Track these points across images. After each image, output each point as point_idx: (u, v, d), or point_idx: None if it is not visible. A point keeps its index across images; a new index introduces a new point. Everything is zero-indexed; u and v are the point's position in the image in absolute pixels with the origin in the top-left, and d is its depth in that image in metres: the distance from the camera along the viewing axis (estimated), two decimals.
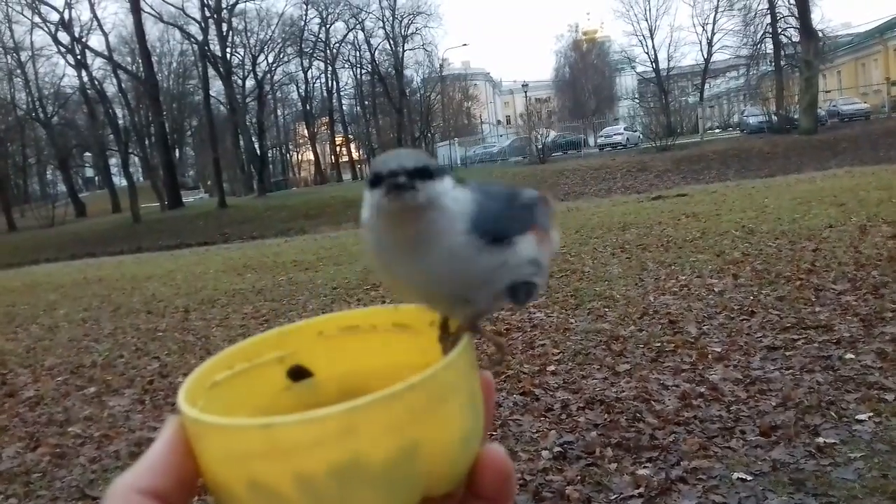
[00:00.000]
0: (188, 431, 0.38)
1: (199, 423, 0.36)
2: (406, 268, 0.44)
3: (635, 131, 42.54)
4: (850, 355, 4.28)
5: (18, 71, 49.21)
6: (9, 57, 48.50)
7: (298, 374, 0.49)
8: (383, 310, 0.51)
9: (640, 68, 59.33)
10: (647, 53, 55.81)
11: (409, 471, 0.35)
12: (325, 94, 59.86)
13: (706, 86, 57.23)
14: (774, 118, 36.06)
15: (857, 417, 3.47)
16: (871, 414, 3.47)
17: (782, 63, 38.65)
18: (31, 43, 48.95)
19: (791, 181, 17.14)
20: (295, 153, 74.24)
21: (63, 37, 42.66)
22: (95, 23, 43.47)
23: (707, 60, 54.30)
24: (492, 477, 0.39)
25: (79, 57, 42.33)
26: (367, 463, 0.34)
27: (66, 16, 41.03)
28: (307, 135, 61.99)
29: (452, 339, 0.46)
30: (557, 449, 3.52)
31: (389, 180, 0.43)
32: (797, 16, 35.04)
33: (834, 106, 38.53)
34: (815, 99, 33.40)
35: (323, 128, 63.54)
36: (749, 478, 3.04)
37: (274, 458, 0.33)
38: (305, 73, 57.79)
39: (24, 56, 48.96)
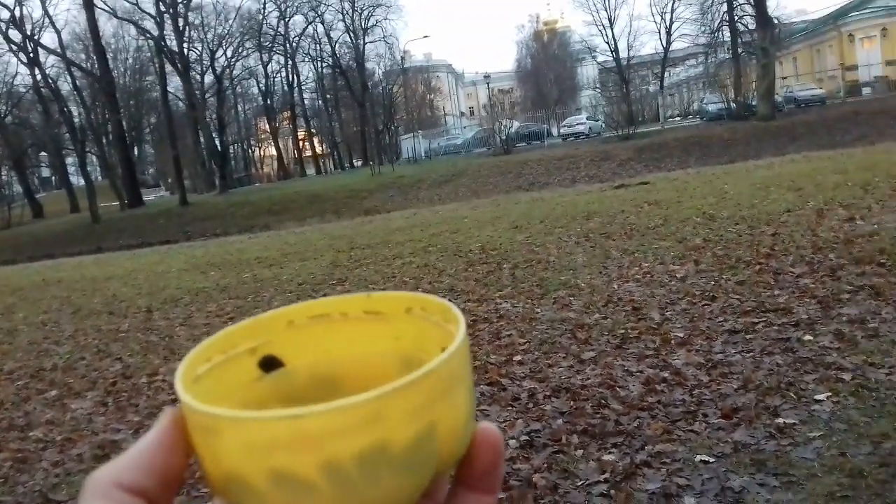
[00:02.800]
0: (194, 427, 0.37)
1: (217, 419, 0.36)
2: None
3: (597, 121, 42.85)
4: (808, 337, 4.37)
5: None
6: None
7: (270, 364, 0.49)
8: (355, 297, 0.51)
9: (600, 58, 59.64)
10: (608, 43, 56.13)
11: (428, 451, 0.36)
12: (285, 88, 59.26)
13: (666, 74, 57.96)
14: (733, 105, 36.58)
15: (815, 398, 3.54)
16: (829, 394, 3.55)
17: (739, 50, 39.23)
18: None
19: (750, 167, 17.42)
20: (257, 149, 73.51)
21: (14, 35, 41.67)
22: (47, 20, 42.59)
23: (666, 49, 54.91)
24: (486, 451, 0.40)
25: (31, 55, 41.42)
26: (391, 447, 0.35)
27: (17, 13, 40.11)
28: (269, 130, 61.37)
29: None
30: (524, 437, 3.55)
31: None
32: (753, 3, 35.59)
33: (790, 92, 39.13)
34: (772, 85, 33.93)
35: (285, 122, 62.92)
36: (711, 460, 3.09)
37: (301, 447, 0.34)
38: (265, 67, 57.22)
39: None
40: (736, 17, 39.22)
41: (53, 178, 67.05)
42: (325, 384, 0.48)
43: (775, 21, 35.38)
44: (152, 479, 0.36)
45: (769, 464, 2.99)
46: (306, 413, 0.33)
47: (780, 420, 3.35)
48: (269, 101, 58.68)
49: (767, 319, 4.82)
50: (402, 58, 58.67)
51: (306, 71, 60.77)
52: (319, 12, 54.35)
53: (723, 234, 7.92)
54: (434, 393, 0.36)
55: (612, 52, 55.96)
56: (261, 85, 58.78)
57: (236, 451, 0.35)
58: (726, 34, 41.40)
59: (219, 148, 48.09)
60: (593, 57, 60.73)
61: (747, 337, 4.55)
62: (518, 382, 4.34)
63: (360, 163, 57.84)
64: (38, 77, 42.44)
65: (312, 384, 0.48)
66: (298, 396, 0.44)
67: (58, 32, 42.50)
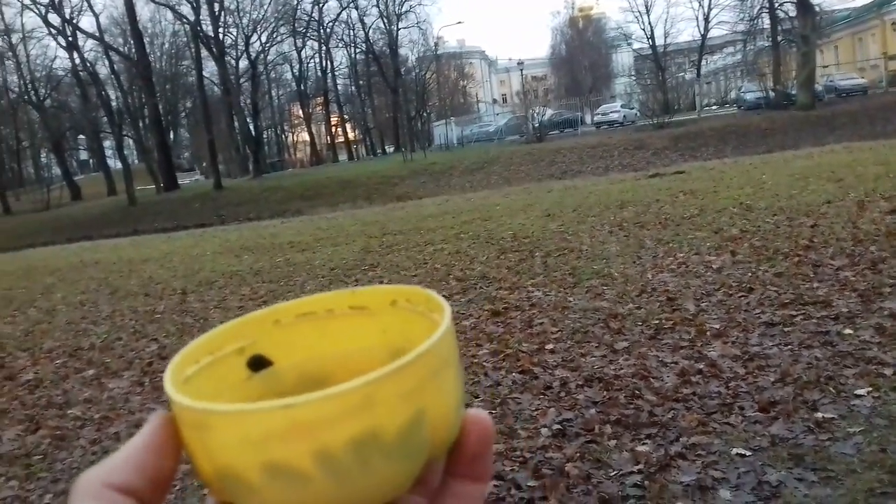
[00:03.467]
0: (186, 425, 0.37)
1: (210, 414, 0.36)
2: None
3: (632, 109, 42.38)
4: (848, 330, 4.29)
5: (10, 53, 48.80)
6: (0, 40, 48.10)
7: (258, 363, 0.49)
8: (340, 293, 0.51)
9: (636, 45, 58.92)
10: (644, 30, 55.31)
11: (419, 437, 0.36)
12: (319, 73, 59.37)
13: (703, 62, 56.97)
14: (772, 94, 35.93)
15: (855, 392, 3.47)
16: (870, 389, 3.48)
17: (779, 38, 38.46)
18: (22, 25, 48.54)
19: (789, 157, 17.11)
20: (290, 134, 73.92)
21: (54, 18, 42.38)
22: (86, 4, 43.28)
23: (704, 36, 53.98)
24: (477, 436, 0.40)
25: (70, 39, 42.06)
26: (383, 433, 0.35)
27: None
28: (302, 115, 61.64)
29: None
30: (557, 426, 3.53)
31: None
32: None
33: (831, 81, 38.32)
34: (813, 74, 33.26)
35: (318, 108, 63.14)
36: (748, 453, 3.05)
37: (294, 437, 0.34)
38: (299, 52, 57.34)
39: (15, 38, 48.54)
40: (776, 4, 38.37)
41: (91, 160, 68.22)
42: (313, 382, 0.48)
43: (816, 8, 34.52)
44: (143, 480, 0.36)
45: (807, 458, 2.94)
46: (298, 402, 0.34)
47: (819, 414, 3.30)
48: (302, 87, 58.88)
49: (806, 312, 4.74)
50: (436, 44, 58.49)
51: (340, 56, 60.98)
52: None
53: (760, 225, 7.79)
54: (423, 379, 0.36)
55: (648, 39, 55.14)
56: (294, 70, 59.01)
57: (229, 446, 0.35)
58: (766, 21, 40.57)
59: (253, 133, 48.52)
60: (629, 44, 60.02)
61: (785, 329, 4.48)
62: (550, 371, 4.33)
63: (391, 149, 57.92)
64: (77, 61, 43.07)
65: (301, 382, 0.49)
66: (288, 394, 0.44)
67: (96, 16, 43.49)
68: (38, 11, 42.85)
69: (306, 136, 64.39)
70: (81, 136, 56.79)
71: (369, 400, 0.34)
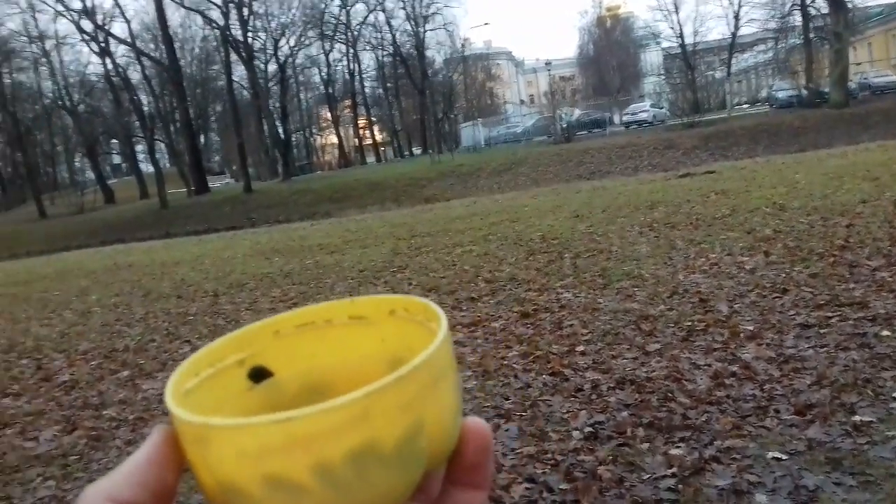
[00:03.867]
0: (186, 438, 0.37)
1: (209, 428, 0.36)
2: None
3: (661, 108, 42.06)
4: (886, 332, 4.20)
5: (44, 59, 49.81)
6: (34, 45, 49.13)
7: (259, 374, 0.49)
8: (339, 303, 0.51)
9: (665, 44, 58.40)
10: (673, 28, 54.81)
11: (417, 448, 0.36)
12: (347, 76, 59.74)
13: (733, 60, 56.28)
14: (804, 92, 35.42)
15: (893, 395, 3.40)
16: None
17: (811, 35, 37.93)
18: (56, 31, 49.56)
19: (822, 156, 16.84)
20: (319, 137, 74.39)
21: (86, 25, 43.14)
22: (118, 10, 44.07)
23: (734, 34, 53.28)
24: (475, 444, 0.40)
25: (102, 44, 42.83)
26: (381, 444, 0.35)
27: (89, 4, 41.38)
28: (330, 118, 62.05)
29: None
30: (588, 429, 3.51)
31: None
32: None
33: (865, 79, 37.64)
34: (846, 72, 32.72)
35: (346, 111, 63.53)
36: (784, 457, 3.00)
37: (292, 450, 0.34)
38: (327, 55, 57.73)
39: (48, 45, 49.57)
40: (808, 1, 37.84)
41: (124, 164, 69.20)
42: (314, 392, 0.49)
43: (849, 4, 33.97)
44: (145, 494, 0.37)
45: (845, 462, 2.89)
46: (296, 416, 0.34)
47: (857, 417, 3.23)
48: (330, 90, 59.25)
49: (842, 314, 4.65)
50: (463, 45, 58.56)
51: (367, 59, 61.21)
52: (381, 0, 54.59)
53: (794, 225, 7.68)
54: (420, 389, 0.36)
55: (677, 37, 54.60)
56: (322, 74, 59.40)
57: (229, 460, 0.35)
58: (797, 18, 40.04)
59: (282, 136, 48.93)
60: (657, 43, 59.57)
61: (821, 331, 4.40)
62: (581, 373, 4.30)
63: (419, 151, 58.02)
64: (109, 66, 43.87)
65: (302, 393, 0.49)
66: (289, 405, 0.43)
67: (127, 22, 43.84)
68: (71, 18, 43.77)
69: (334, 139, 64.83)
70: (114, 141, 57.69)
71: (367, 412, 0.34)
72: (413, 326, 0.47)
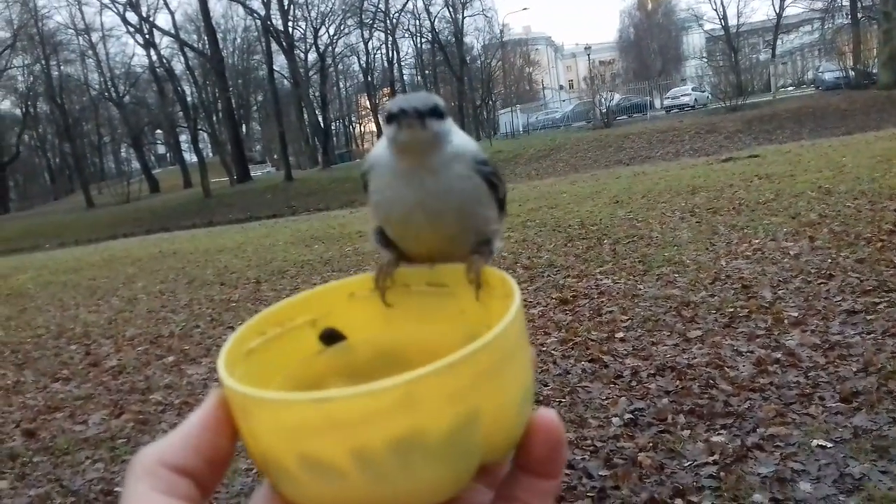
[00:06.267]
0: (234, 406, 0.37)
1: (247, 398, 0.35)
2: (417, 192, 0.51)
3: (703, 91, 41.27)
4: None
5: (90, 52, 50.82)
6: (81, 38, 50.12)
7: (331, 337, 0.48)
8: (417, 269, 0.50)
9: (707, 26, 57.31)
10: (716, 10, 53.86)
11: (470, 439, 0.34)
12: (385, 64, 59.81)
13: (778, 42, 54.95)
14: (852, 73, 34.43)
15: None
16: None
17: (859, 15, 36.85)
18: (101, 24, 50.63)
19: (870, 139, 16.37)
20: (358, 125, 74.75)
21: (131, 17, 43.74)
22: (162, 2, 44.53)
23: (779, 15, 52.01)
24: (544, 440, 0.38)
25: (147, 36, 43.35)
26: (427, 435, 0.33)
27: None
28: (369, 106, 62.22)
29: (499, 292, 0.46)
30: (628, 416, 3.49)
31: (402, 118, 0.49)
32: None
33: None
34: (895, 52, 31.70)
35: (385, 98, 63.61)
36: (829, 445, 2.95)
37: (329, 432, 0.32)
38: (366, 44, 57.80)
39: (94, 37, 50.55)
40: None
41: (168, 154, 70.41)
42: (389, 358, 0.47)
43: None
44: (198, 459, 0.36)
45: (892, 450, 2.84)
46: (333, 397, 0.32)
47: None
48: (369, 78, 59.41)
49: (890, 299, 4.55)
50: (501, 31, 58.14)
51: (406, 47, 61.18)
52: None
53: (840, 210, 7.50)
54: (476, 377, 0.34)
55: (720, 19, 53.55)
56: (361, 62, 59.55)
57: (267, 433, 0.35)
58: None
59: (321, 124, 49.21)
60: (700, 25, 58.43)
61: (868, 318, 4.31)
62: (620, 360, 4.27)
63: None
64: (154, 57, 44.45)
65: (376, 358, 0.47)
66: (362, 371, 0.42)
67: (171, 14, 44.53)
68: (116, 10, 44.40)
69: (373, 127, 65.01)
70: (159, 131, 58.66)
71: (411, 399, 0.32)
72: (492, 300, 0.45)
